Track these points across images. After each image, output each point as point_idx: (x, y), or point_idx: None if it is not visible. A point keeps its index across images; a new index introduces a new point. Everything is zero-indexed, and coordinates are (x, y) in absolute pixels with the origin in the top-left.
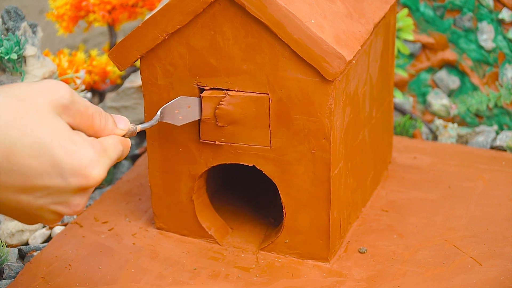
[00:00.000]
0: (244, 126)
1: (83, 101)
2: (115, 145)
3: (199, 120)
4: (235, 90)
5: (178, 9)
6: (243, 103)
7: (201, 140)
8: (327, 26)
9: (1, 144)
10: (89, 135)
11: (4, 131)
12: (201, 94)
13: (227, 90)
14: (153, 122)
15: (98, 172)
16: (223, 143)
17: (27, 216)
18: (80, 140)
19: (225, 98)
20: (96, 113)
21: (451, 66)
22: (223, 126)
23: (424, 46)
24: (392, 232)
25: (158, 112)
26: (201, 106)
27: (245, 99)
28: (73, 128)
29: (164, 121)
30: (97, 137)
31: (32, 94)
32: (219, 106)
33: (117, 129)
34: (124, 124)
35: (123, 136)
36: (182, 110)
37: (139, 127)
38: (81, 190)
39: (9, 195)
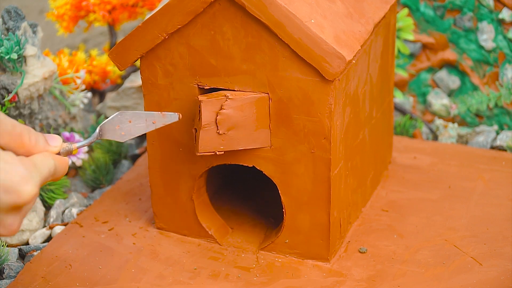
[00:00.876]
0: (245, 130)
1: (9, 120)
2: (44, 160)
3: (195, 131)
4: (235, 90)
5: (178, 9)
6: (244, 106)
7: (198, 154)
8: (327, 26)
9: None
10: (20, 154)
11: None
12: (199, 99)
13: (226, 89)
14: (91, 139)
15: (29, 188)
16: (223, 152)
17: None
18: (9, 158)
19: (226, 102)
20: (25, 131)
21: (451, 66)
22: (224, 133)
23: (424, 46)
24: (392, 232)
25: (97, 130)
26: (200, 112)
27: (245, 101)
28: (2, 148)
29: (105, 138)
30: (28, 155)
31: None
32: (221, 111)
33: (49, 146)
34: (56, 141)
35: (58, 154)
36: (124, 126)
37: (75, 145)
38: (14, 208)
39: None
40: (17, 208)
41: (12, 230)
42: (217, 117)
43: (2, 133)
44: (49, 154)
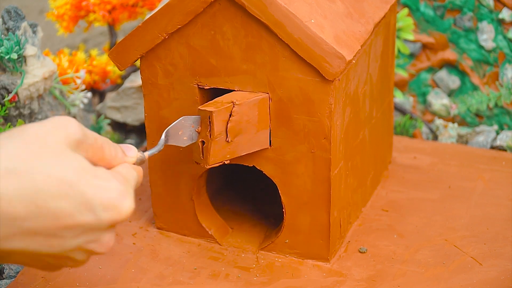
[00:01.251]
0: (248, 134)
1: (91, 133)
2: (130, 172)
3: (202, 143)
4: (234, 90)
5: (178, 9)
6: (248, 110)
7: (207, 167)
8: (327, 26)
9: (27, 190)
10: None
11: (28, 177)
12: (209, 110)
13: (225, 89)
14: (159, 147)
15: (128, 204)
16: (229, 160)
17: (55, 261)
18: (104, 174)
19: (234, 109)
20: (105, 144)
21: (451, 66)
22: (231, 141)
23: (424, 46)
24: (392, 232)
25: (163, 136)
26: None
27: (249, 105)
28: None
29: (169, 143)
30: (109, 168)
31: (45, 134)
32: (231, 118)
33: (126, 157)
34: (133, 151)
35: (134, 164)
36: (186, 130)
37: (147, 154)
38: (113, 224)
39: (41, 241)
40: (115, 224)
41: (109, 247)
42: (228, 125)
43: (88, 148)
44: (130, 165)
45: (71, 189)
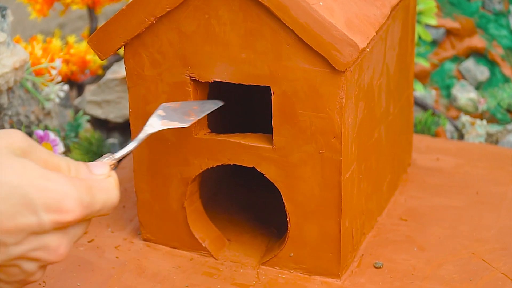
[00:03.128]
0: None
1: (44, 149)
2: (93, 179)
3: None
4: (233, 82)
5: None
6: None
7: None
8: (337, 9)
9: None
10: None
11: None
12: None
13: (227, 83)
14: (136, 142)
15: (72, 205)
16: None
17: (5, 276)
18: (55, 176)
19: None
20: (63, 162)
21: (479, 55)
22: None
23: (449, 32)
24: (412, 244)
25: (142, 131)
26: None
27: None
28: None
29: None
30: None
31: None
32: None
33: (93, 175)
34: (102, 169)
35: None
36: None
37: (116, 156)
38: (58, 227)
39: None
40: (61, 227)
41: (60, 253)
42: None
43: (38, 161)
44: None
45: (13, 191)
